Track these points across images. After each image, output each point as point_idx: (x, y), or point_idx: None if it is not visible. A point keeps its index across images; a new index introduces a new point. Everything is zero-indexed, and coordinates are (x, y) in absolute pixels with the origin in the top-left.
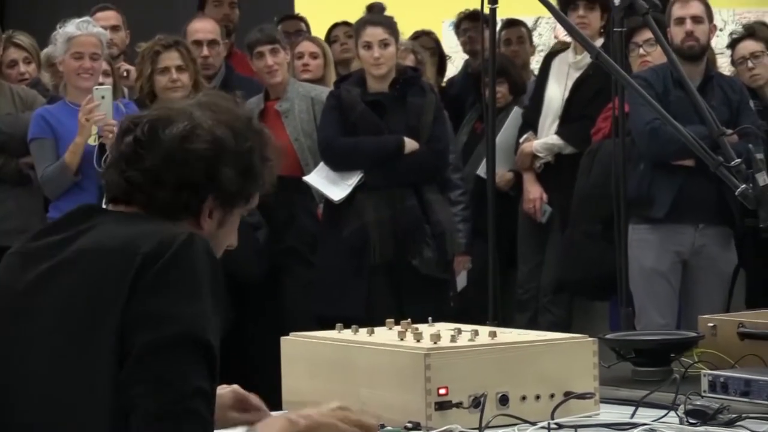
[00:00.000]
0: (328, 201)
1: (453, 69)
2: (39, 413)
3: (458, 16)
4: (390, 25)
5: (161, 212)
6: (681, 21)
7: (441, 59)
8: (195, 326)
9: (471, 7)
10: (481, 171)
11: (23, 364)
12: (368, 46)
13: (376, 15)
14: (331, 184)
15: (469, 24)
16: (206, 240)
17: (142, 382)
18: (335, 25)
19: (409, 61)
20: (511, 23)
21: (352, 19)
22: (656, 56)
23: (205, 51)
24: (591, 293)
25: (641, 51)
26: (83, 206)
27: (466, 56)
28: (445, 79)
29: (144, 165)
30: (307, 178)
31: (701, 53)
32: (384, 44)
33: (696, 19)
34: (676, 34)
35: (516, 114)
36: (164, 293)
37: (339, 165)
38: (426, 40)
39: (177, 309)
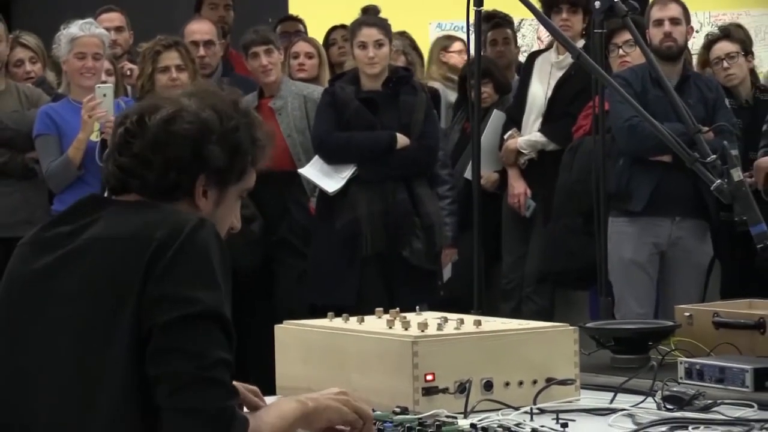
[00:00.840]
0: (321, 194)
1: None
2: (54, 398)
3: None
4: (384, 27)
5: (157, 194)
6: (660, 22)
7: (420, 59)
8: (213, 304)
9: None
10: (468, 174)
11: (36, 350)
12: (363, 45)
13: (371, 16)
14: (325, 177)
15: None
16: (214, 225)
17: (167, 354)
18: (333, 29)
19: (400, 62)
20: (497, 25)
21: (345, 21)
22: (635, 57)
23: (202, 51)
24: (572, 283)
25: (621, 52)
26: (91, 197)
27: None
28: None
29: (133, 151)
30: (302, 171)
31: (679, 54)
32: (378, 44)
33: (674, 21)
34: (655, 35)
35: (496, 116)
36: (180, 277)
37: (333, 158)
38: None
39: (194, 291)
